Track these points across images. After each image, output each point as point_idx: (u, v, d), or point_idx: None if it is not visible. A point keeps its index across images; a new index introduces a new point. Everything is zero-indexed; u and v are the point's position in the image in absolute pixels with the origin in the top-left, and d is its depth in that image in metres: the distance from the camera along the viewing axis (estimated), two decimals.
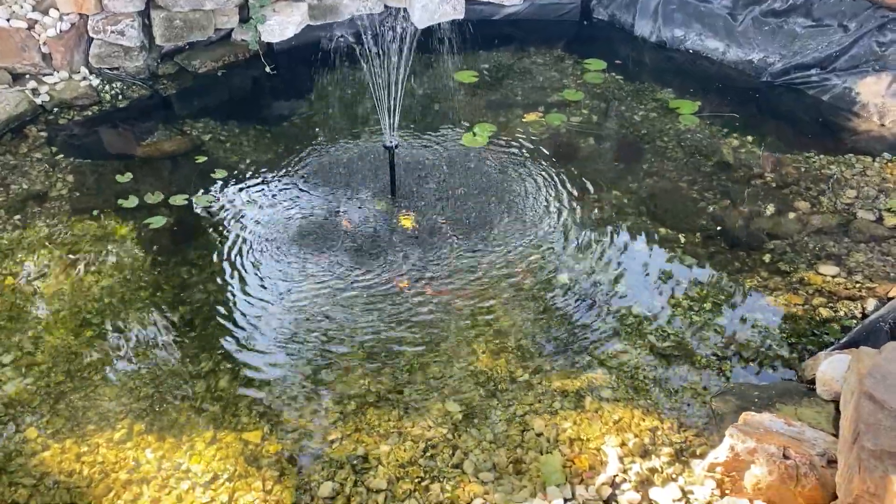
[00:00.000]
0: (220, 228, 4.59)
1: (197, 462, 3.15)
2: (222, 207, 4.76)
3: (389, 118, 4.79)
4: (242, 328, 3.86)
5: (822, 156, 5.22)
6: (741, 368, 3.63)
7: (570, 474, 3.08)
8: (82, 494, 3.03)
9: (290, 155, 5.33)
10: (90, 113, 5.71)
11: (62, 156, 5.21)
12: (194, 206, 4.76)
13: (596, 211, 4.75)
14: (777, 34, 6.27)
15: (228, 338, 3.80)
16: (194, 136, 5.51)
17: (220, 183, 4.99)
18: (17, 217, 4.61)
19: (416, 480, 3.07)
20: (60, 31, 5.78)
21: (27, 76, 5.79)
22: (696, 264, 4.30)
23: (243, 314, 3.95)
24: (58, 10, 5.79)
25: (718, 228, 4.57)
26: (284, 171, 5.15)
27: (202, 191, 4.90)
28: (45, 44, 5.76)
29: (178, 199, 4.80)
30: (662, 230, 4.57)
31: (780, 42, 6.25)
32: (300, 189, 4.96)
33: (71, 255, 4.33)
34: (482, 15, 7.23)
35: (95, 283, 4.13)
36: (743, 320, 3.90)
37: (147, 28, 6.03)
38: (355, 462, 3.15)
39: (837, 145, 5.40)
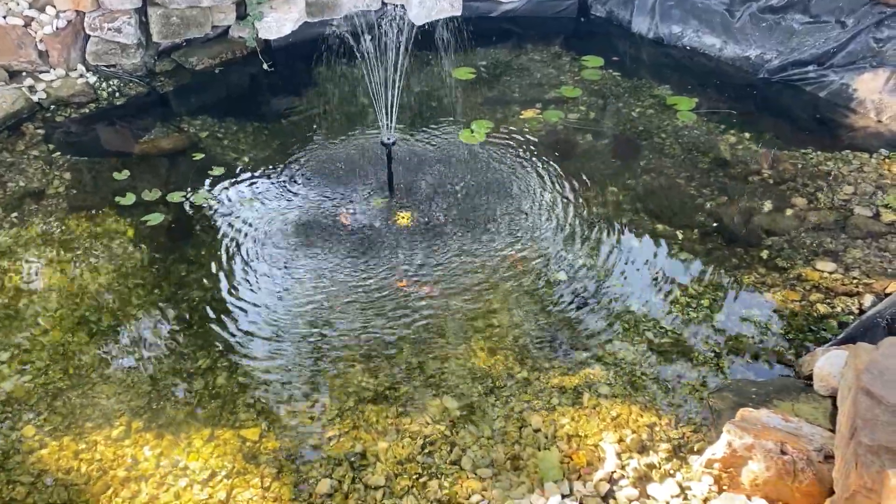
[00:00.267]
0: (218, 225, 4.58)
1: (195, 459, 3.16)
2: (220, 204, 4.76)
3: (387, 115, 4.79)
4: (240, 325, 3.86)
5: (819, 152, 5.22)
6: (739, 365, 3.63)
7: (567, 470, 3.09)
8: (80, 492, 3.03)
9: (288, 152, 5.32)
10: (87, 110, 5.69)
11: (59, 153, 5.20)
12: (192, 202, 4.76)
13: (593, 208, 4.76)
14: (774, 30, 6.27)
15: (226, 335, 3.80)
16: (192, 133, 5.51)
17: (217, 180, 4.98)
18: (14, 215, 4.61)
19: (415, 477, 3.08)
20: (57, 29, 5.77)
21: (24, 73, 5.78)
22: (694, 261, 4.31)
23: (241, 311, 3.94)
24: (54, 7, 5.78)
25: (716, 225, 4.57)
26: (282, 167, 5.14)
27: (200, 188, 4.89)
28: (41, 41, 5.75)
29: (176, 197, 4.79)
30: (660, 227, 4.58)
31: (778, 38, 6.25)
32: (297, 186, 4.96)
33: (68, 253, 4.32)
34: (479, 12, 7.23)
35: (93, 281, 4.12)
36: (740, 317, 3.90)
37: (144, 25, 6.02)
38: (353, 459, 3.15)
39: (835, 142, 5.40)
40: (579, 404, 3.39)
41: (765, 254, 4.32)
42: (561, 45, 6.90)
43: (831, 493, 2.62)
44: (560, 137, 5.54)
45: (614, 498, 2.97)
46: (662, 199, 4.83)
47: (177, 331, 3.83)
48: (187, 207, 4.73)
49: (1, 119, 5.34)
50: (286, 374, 3.58)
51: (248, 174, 5.08)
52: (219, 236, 4.49)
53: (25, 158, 5.13)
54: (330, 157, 5.28)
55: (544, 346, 3.73)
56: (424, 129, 5.63)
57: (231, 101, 6.01)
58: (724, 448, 2.85)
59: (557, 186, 4.95)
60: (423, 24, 6.56)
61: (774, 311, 3.93)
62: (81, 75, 5.90)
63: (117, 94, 5.88)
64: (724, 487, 2.89)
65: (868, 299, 3.91)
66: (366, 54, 4.77)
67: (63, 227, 4.52)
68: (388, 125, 4.81)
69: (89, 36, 5.92)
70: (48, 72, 5.82)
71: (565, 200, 4.82)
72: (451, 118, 5.75)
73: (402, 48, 4.83)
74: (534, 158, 5.25)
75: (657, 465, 3.09)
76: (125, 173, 5.01)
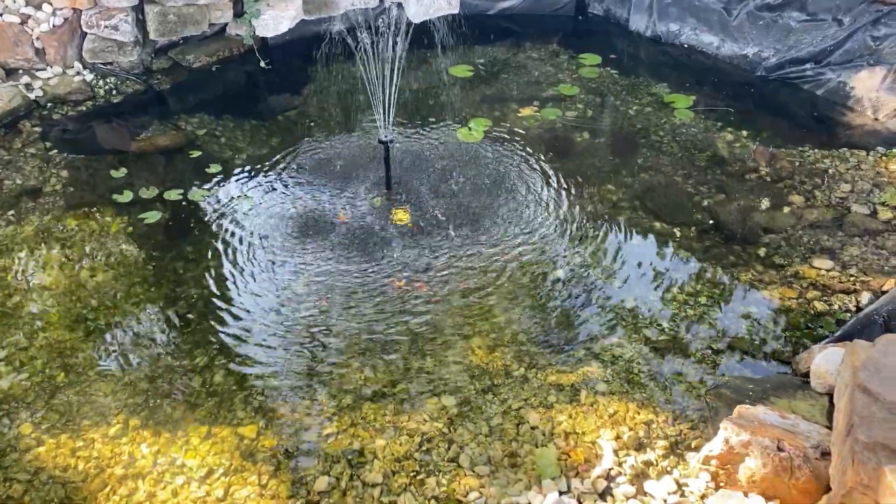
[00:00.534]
0: (215, 223, 4.58)
1: (192, 457, 3.15)
2: (217, 201, 4.76)
3: (384, 113, 4.78)
4: (238, 323, 3.85)
5: (816, 150, 5.23)
6: (736, 362, 3.64)
7: (565, 467, 3.09)
8: (77, 490, 3.02)
9: (285, 149, 5.32)
10: (84, 108, 5.69)
11: (56, 151, 5.19)
12: (189, 200, 4.75)
13: (591, 205, 4.76)
14: (772, 28, 6.28)
15: (223, 332, 3.79)
16: (189, 130, 5.50)
17: (214, 177, 4.98)
18: (11, 213, 4.60)
19: (412, 474, 3.08)
20: (54, 26, 5.76)
21: (20, 71, 5.77)
22: (691, 258, 4.31)
23: (238, 309, 3.94)
24: (51, 4, 5.77)
25: (713, 222, 4.57)
26: (279, 165, 5.14)
27: (197, 185, 4.88)
28: (38, 39, 5.74)
29: (173, 194, 4.79)
30: (657, 224, 4.58)
31: (775, 36, 6.26)
32: (295, 183, 4.95)
33: (65, 251, 4.31)
34: (477, 10, 7.23)
35: (90, 279, 4.12)
36: (738, 314, 3.90)
37: (141, 23, 6.01)
38: (351, 456, 3.15)
39: (832, 139, 5.41)
40: (577, 401, 3.40)
41: (762, 251, 4.33)
42: (559, 43, 6.90)
43: (828, 489, 2.62)
44: (558, 135, 5.54)
45: (611, 495, 2.97)
46: (660, 197, 4.83)
47: (174, 328, 3.82)
48: (184, 205, 4.72)
49: None
50: (284, 372, 3.57)
51: (246, 172, 5.07)
52: (216, 234, 4.48)
53: (22, 156, 5.12)
54: (327, 155, 5.28)
55: (542, 344, 3.73)
56: (422, 126, 5.63)
57: (228, 99, 6.00)
58: (721, 445, 2.85)
59: (555, 184, 4.95)
60: (421, 22, 6.56)
61: (772, 308, 3.93)
62: (78, 73, 5.89)
63: (114, 92, 5.87)
64: (721, 484, 2.89)
65: (865, 297, 3.92)
66: (363, 52, 4.76)
67: (60, 225, 4.51)
68: (385, 123, 4.80)
69: (86, 33, 5.91)
70: (45, 69, 5.81)
71: (563, 198, 4.82)
72: (449, 116, 5.75)
73: (399, 46, 4.83)
74: (531, 156, 5.25)
75: (654, 462, 3.09)
76: (122, 171, 5.00)
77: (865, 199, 4.69)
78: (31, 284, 4.07)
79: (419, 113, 5.83)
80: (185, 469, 3.10)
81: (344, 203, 4.77)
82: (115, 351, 3.67)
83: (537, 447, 3.18)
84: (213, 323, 3.85)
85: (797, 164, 5.09)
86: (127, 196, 4.75)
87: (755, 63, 6.32)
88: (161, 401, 3.41)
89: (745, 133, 5.47)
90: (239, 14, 6.32)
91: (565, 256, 4.32)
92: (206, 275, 4.17)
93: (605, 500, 2.95)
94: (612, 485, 3.01)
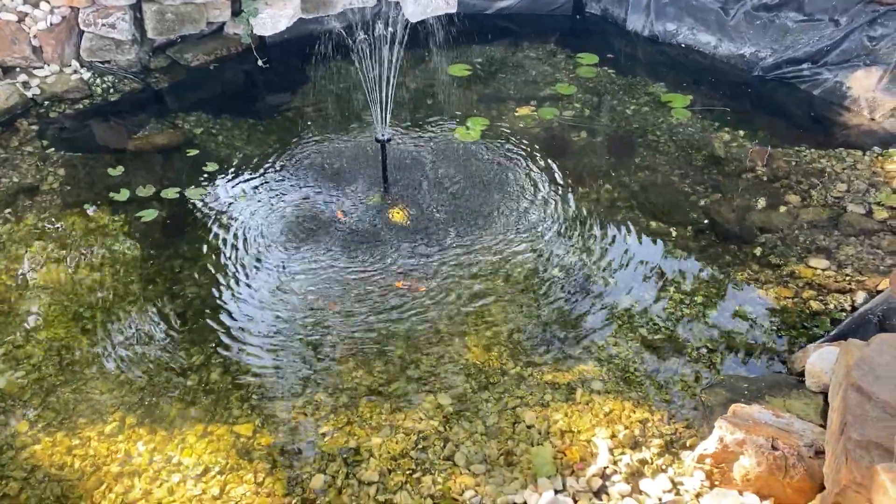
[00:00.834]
0: (212, 221, 4.58)
1: (188, 455, 3.16)
2: (214, 200, 4.76)
3: (382, 112, 4.79)
4: (234, 321, 3.86)
5: (813, 150, 5.24)
6: (731, 361, 3.65)
7: (560, 466, 3.09)
8: (73, 487, 3.03)
9: (283, 148, 5.32)
10: (81, 106, 5.68)
11: (53, 149, 5.19)
12: (186, 198, 4.75)
13: (588, 205, 4.76)
14: (769, 28, 6.28)
15: (220, 331, 3.80)
16: (186, 129, 5.50)
17: (212, 176, 4.98)
18: (8, 211, 4.60)
19: (408, 473, 3.08)
20: (51, 24, 5.75)
21: (18, 69, 5.77)
22: (688, 257, 4.32)
23: (235, 307, 3.94)
24: (48, 2, 5.77)
25: (707, 222, 4.58)
26: (277, 164, 5.14)
27: (194, 184, 4.89)
28: (35, 37, 5.73)
29: (170, 193, 4.79)
30: (654, 223, 4.59)
31: (772, 36, 6.27)
32: (292, 182, 4.96)
33: (62, 249, 4.31)
34: (475, 9, 7.24)
35: (87, 277, 4.12)
36: (733, 313, 3.91)
37: (138, 21, 6.01)
38: (347, 455, 3.16)
39: (828, 139, 5.42)
40: (572, 400, 3.40)
41: (758, 251, 4.34)
42: (556, 43, 6.91)
43: (822, 488, 2.63)
44: (555, 134, 5.54)
45: (607, 493, 2.98)
46: (657, 197, 4.84)
47: (171, 326, 3.82)
48: (182, 203, 4.72)
49: None
50: (280, 370, 3.58)
51: (243, 170, 5.07)
52: (213, 232, 4.49)
53: (19, 154, 5.12)
54: (325, 154, 5.28)
55: (538, 343, 3.74)
56: (419, 125, 5.64)
57: (226, 98, 6.00)
58: (716, 443, 2.86)
59: (552, 183, 4.96)
60: (419, 21, 6.56)
61: (767, 307, 3.94)
62: (76, 71, 5.89)
63: (112, 91, 5.87)
64: (716, 483, 2.90)
65: (860, 296, 3.93)
66: (361, 51, 4.77)
67: (57, 224, 4.51)
68: (382, 122, 4.81)
69: (83, 32, 5.90)
70: (42, 68, 5.81)
71: (560, 197, 4.83)
72: (447, 115, 5.75)
73: (397, 45, 4.83)
74: (529, 155, 5.25)
75: (649, 461, 3.10)
76: (119, 169, 5.00)
77: (861, 199, 4.70)
78: (27, 282, 4.07)
79: (417, 112, 5.83)
80: (181, 467, 3.10)
81: (341, 201, 4.77)
82: (111, 349, 3.68)
83: (533, 445, 3.19)
84: (209, 321, 3.85)
85: (793, 163, 5.10)
86: (124, 194, 4.75)
87: (752, 63, 6.33)
88: (157, 399, 3.42)
89: (741, 133, 5.48)
90: (237, 13, 6.31)
91: (561, 254, 4.33)
92: (203, 273, 4.17)
93: (601, 499, 2.96)
94: (607, 483, 3.01)
